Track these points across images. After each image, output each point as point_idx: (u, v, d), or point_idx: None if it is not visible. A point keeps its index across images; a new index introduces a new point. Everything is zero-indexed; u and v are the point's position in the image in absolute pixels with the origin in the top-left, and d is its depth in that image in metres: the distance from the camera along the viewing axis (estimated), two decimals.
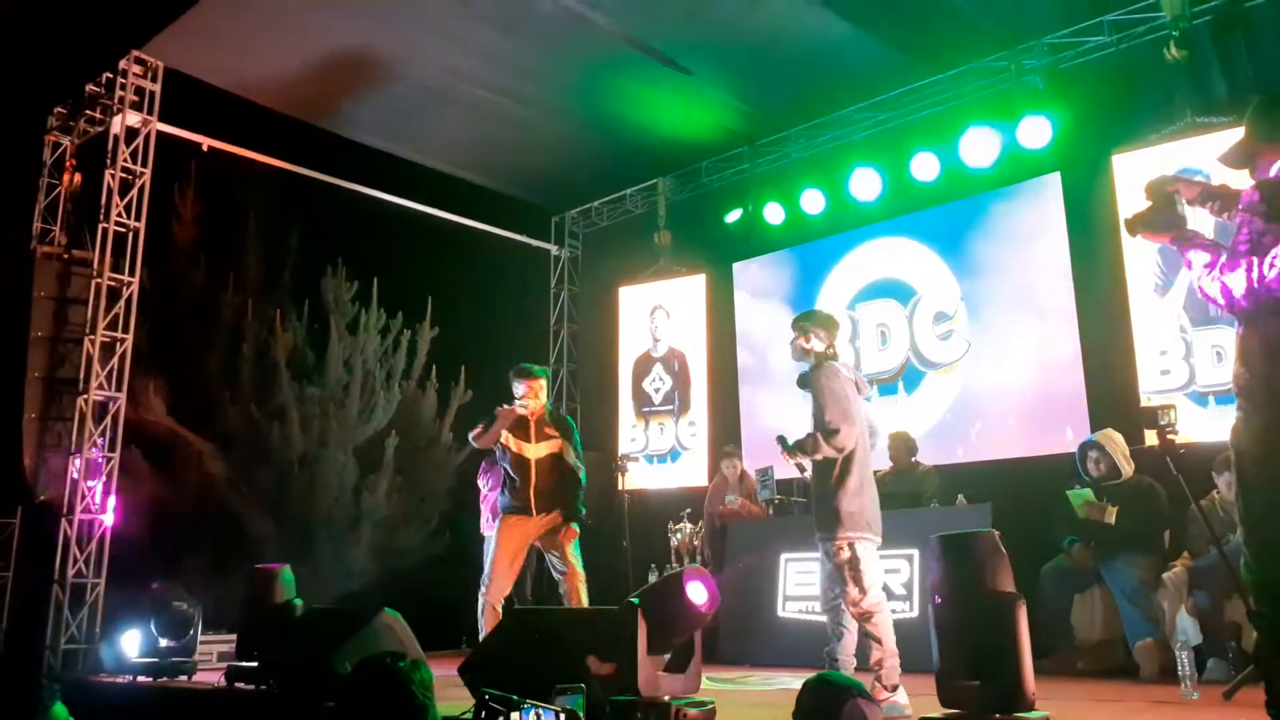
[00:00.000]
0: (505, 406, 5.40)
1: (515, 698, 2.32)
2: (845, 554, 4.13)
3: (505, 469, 5.39)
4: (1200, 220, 3.30)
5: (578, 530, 5.31)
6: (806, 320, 4.50)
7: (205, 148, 7.81)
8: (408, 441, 8.22)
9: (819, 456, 4.24)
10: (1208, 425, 6.03)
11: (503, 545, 5.23)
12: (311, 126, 8.23)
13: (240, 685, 4.86)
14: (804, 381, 4.43)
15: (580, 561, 5.29)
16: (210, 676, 5.43)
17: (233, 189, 8.46)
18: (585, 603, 5.20)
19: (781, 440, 4.40)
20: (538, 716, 2.26)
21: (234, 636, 5.85)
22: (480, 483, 7.39)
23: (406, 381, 8.52)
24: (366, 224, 8.56)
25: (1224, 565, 4.23)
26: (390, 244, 8.71)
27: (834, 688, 2.38)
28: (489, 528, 7.24)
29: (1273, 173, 2.86)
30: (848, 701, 2.31)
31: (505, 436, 5.35)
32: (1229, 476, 5.07)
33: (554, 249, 10.35)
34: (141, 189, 7.12)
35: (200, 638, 6.10)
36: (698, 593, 3.52)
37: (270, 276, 8.40)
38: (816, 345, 4.41)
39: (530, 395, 5.36)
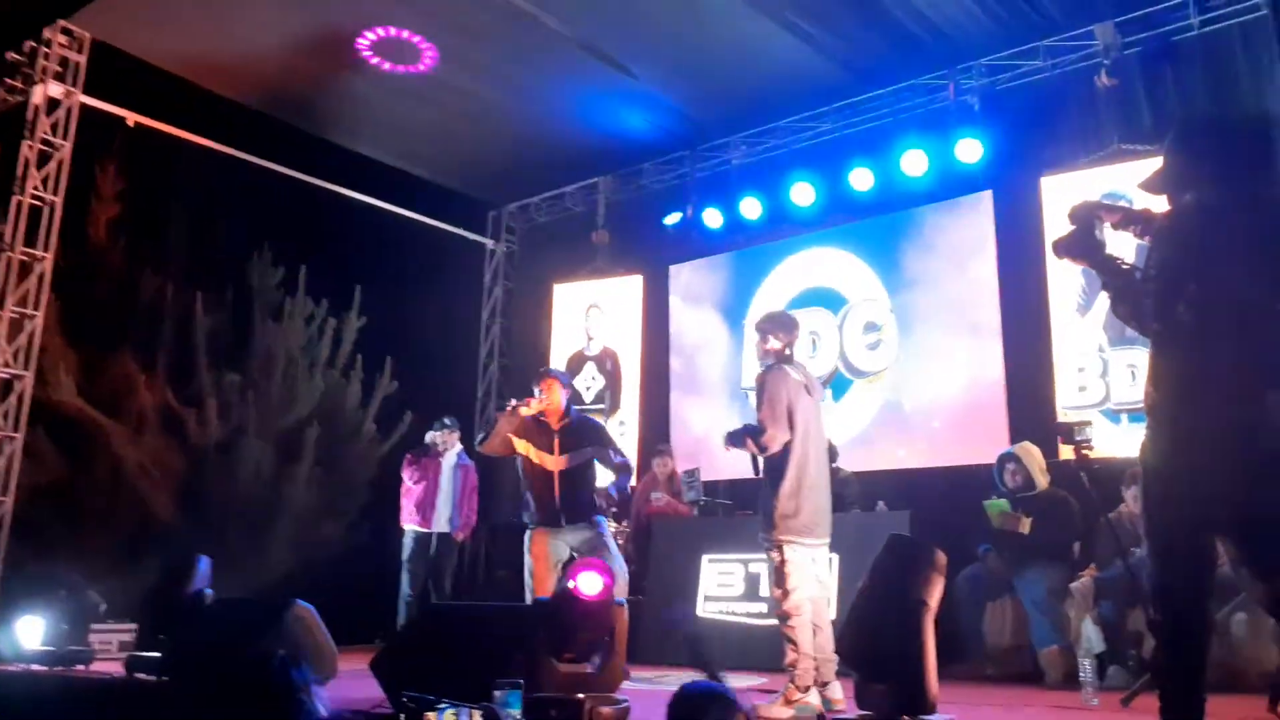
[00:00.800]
0: (509, 405, 5.06)
1: (433, 698, 2.28)
2: (774, 555, 4.18)
3: (524, 480, 5.06)
4: (1124, 244, 3.39)
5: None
6: (765, 322, 4.52)
7: (131, 123, 7.57)
8: (330, 432, 8.06)
9: (748, 450, 4.26)
10: (1121, 441, 6.21)
11: (540, 559, 4.93)
12: (243, 107, 8.04)
13: (141, 676, 4.70)
14: (756, 381, 4.46)
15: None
16: (110, 667, 5.24)
17: (158, 167, 8.21)
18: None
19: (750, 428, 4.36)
20: (452, 717, 2.21)
21: (136, 626, 5.68)
22: (405, 475, 7.27)
23: (330, 371, 8.36)
24: (296, 209, 8.38)
25: (1128, 576, 4.36)
26: (319, 230, 8.54)
27: (698, 695, 2.38)
28: (409, 520, 7.11)
29: (1186, 199, 2.95)
30: (711, 707, 2.31)
31: (524, 446, 5.00)
32: (1136, 490, 5.25)
33: (490, 243, 10.25)
34: (61, 162, 6.88)
35: (101, 626, 5.91)
36: (589, 583, 3.49)
37: (193, 259, 8.17)
38: (774, 345, 4.42)
39: (540, 397, 5.01)
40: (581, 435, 5.11)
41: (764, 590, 6.23)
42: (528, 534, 5.08)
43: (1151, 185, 3.03)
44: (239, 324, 8.05)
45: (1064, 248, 3.15)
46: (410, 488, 7.15)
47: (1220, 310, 2.72)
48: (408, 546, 7.06)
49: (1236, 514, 2.68)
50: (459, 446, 7.37)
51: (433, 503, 7.06)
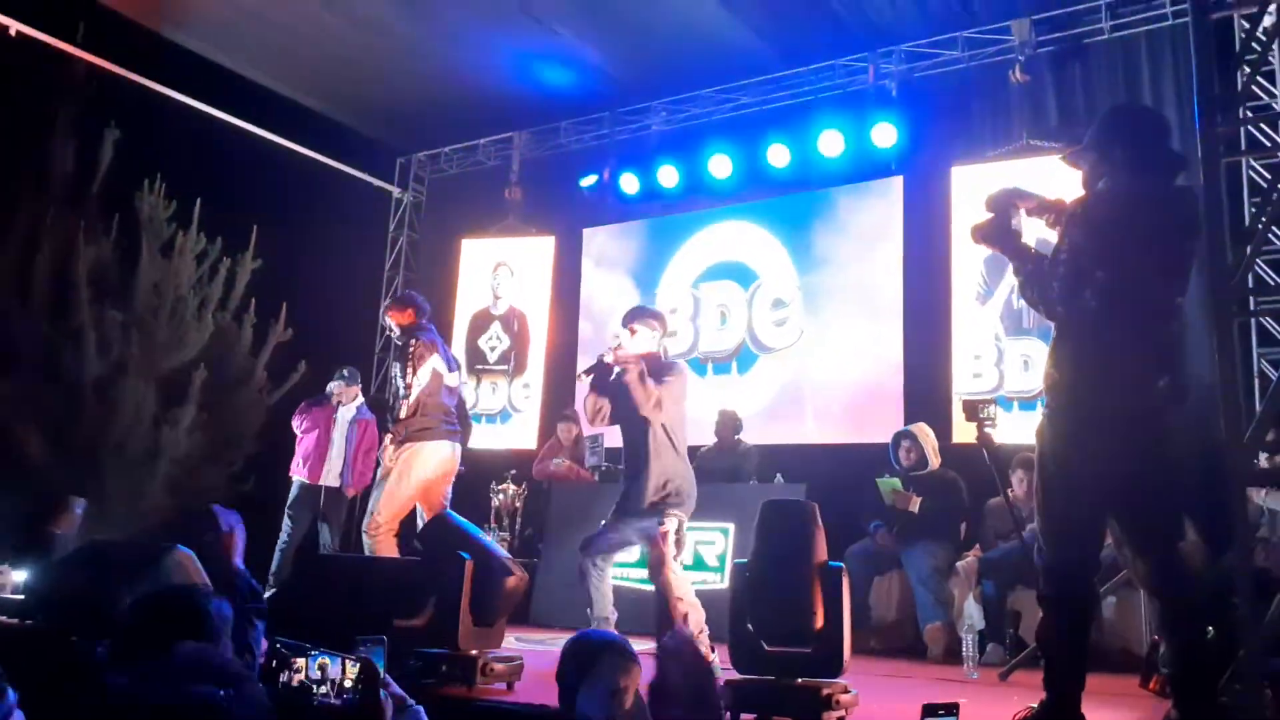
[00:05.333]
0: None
1: (307, 645, 2.17)
2: (675, 528, 4.28)
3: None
4: (1038, 231, 3.48)
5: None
6: (645, 313, 4.61)
7: (13, 33, 7.04)
8: (218, 377, 7.68)
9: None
10: (1011, 429, 6.41)
11: None
12: (139, 25, 7.54)
13: (2, 619, 4.43)
14: (661, 371, 4.43)
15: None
16: None
17: (42, 83, 7.64)
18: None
19: None
20: (324, 664, 2.11)
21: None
22: (294, 424, 6.99)
23: (222, 313, 7.95)
24: (192, 139, 7.90)
25: (1021, 554, 4.52)
26: (217, 164, 8.06)
27: (593, 642, 2.38)
28: (296, 471, 6.89)
29: (1100, 186, 3.03)
30: (605, 653, 2.29)
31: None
32: (1022, 474, 5.44)
33: (396, 191, 9.92)
34: None
35: None
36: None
37: (78, 184, 7.64)
38: (651, 339, 4.51)
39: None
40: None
41: None
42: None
43: (1073, 160, 3.12)
44: (125, 257, 7.57)
45: (981, 234, 3.23)
46: (300, 437, 6.92)
47: (1124, 298, 2.81)
48: (293, 493, 6.85)
49: (1123, 493, 2.79)
50: (360, 400, 7.15)
51: (322, 456, 6.83)
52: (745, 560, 3.15)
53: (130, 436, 7.25)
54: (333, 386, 7.01)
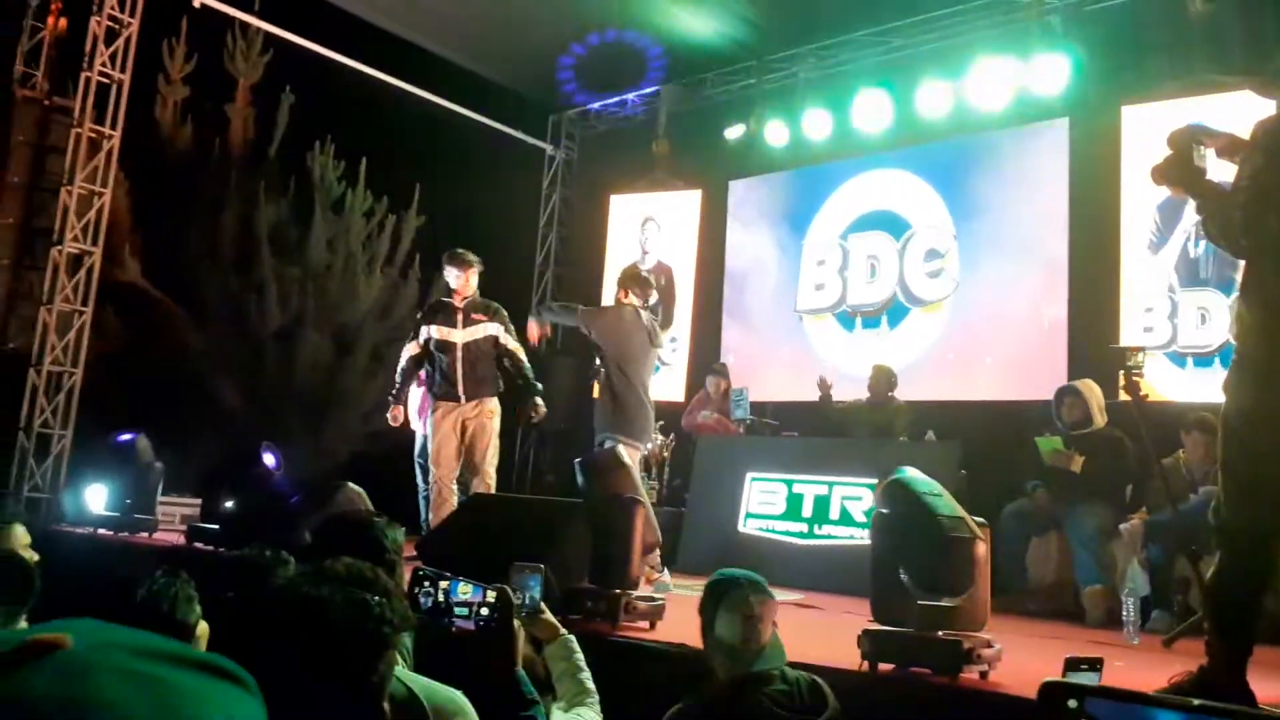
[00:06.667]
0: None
1: (447, 574, 2.30)
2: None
3: (436, 356, 5.51)
4: (1226, 174, 3.25)
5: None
6: (626, 280, 5.34)
7: (198, 3, 7.54)
8: (386, 330, 8.13)
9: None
10: (1183, 386, 6.05)
11: (438, 432, 5.48)
12: None
13: (199, 545, 4.91)
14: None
15: (491, 460, 5.52)
16: (171, 536, 5.47)
17: (225, 51, 8.20)
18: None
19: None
20: (464, 590, 2.22)
21: (197, 500, 5.89)
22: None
23: (389, 268, 8.40)
24: (359, 102, 8.33)
25: (1179, 522, 4.28)
26: (382, 126, 8.48)
27: (730, 574, 2.49)
28: (415, 421, 7.07)
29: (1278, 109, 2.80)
30: (741, 582, 2.39)
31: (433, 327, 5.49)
32: (1198, 436, 5.13)
33: (549, 149, 10.12)
34: (128, 40, 6.88)
35: (167, 499, 6.14)
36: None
37: (257, 146, 8.18)
38: (633, 300, 5.26)
39: (463, 281, 5.49)
40: (484, 313, 5.53)
41: (806, 511, 6.26)
42: (430, 412, 5.67)
43: (1263, 88, 2.89)
44: (300, 215, 8.09)
45: (1161, 174, 3.01)
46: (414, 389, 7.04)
47: None
48: (417, 443, 7.05)
49: None
50: None
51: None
52: (887, 511, 3.11)
53: (309, 385, 7.78)
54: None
